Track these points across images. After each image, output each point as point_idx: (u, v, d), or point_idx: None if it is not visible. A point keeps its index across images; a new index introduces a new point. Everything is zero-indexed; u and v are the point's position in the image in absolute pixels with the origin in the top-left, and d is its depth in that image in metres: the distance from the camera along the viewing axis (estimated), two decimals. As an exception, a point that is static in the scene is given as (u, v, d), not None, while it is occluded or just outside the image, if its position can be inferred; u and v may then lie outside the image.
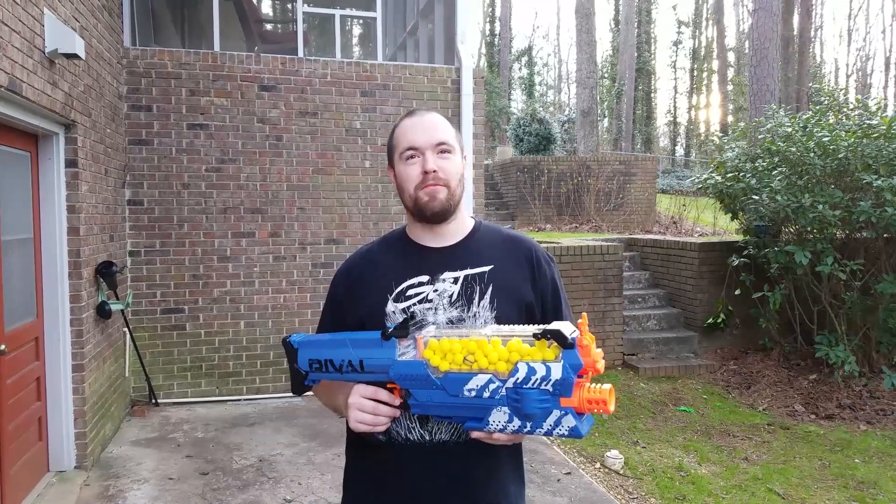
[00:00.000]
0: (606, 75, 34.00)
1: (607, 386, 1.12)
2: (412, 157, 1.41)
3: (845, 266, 5.59)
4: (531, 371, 1.12)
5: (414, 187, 1.40)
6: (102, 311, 4.41)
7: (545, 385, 1.11)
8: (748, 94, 12.58)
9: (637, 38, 28.84)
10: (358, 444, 1.49)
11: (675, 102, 38.81)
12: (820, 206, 5.49)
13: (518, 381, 1.12)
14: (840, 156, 5.66)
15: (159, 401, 5.38)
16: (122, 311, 4.95)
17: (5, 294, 3.37)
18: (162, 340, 5.44)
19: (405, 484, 1.39)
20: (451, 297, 1.40)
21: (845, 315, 5.87)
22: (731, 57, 33.54)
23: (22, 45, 3.15)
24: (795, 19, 23.00)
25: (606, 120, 32.61)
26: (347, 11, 8.01)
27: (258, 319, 5.62)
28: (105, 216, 4.63)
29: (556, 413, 1.12)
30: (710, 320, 6.84)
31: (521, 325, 1.20)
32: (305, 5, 6.10)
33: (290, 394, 5.57)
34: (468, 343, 1.18)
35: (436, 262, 1.43)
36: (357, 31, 11.79)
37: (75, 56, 3.61)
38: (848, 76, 38.07)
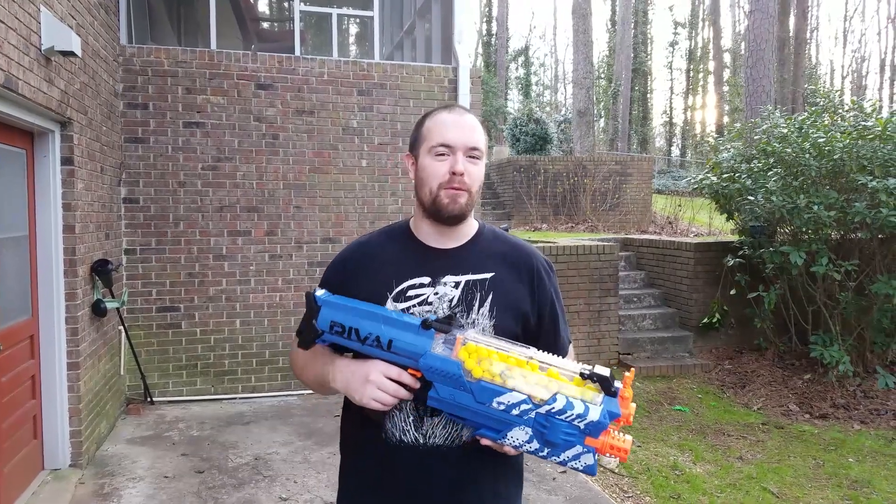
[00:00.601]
0: (603, 76, 34.04)
1: (629, 437, 1.17)
2: (443, 154, 1.38)
3: (840, 266, 5.62)
4: (569, 405, 1.15)
5: (438, 185, 1.38)
6: (98, 309, 4.40)
7: (578, 422, 1.15)
8: (744, 95, 12.61)
9: (633, 39, 28.91)
10: (353, 443, 1.49)
11: (671, 103, 38.83)
12: (815, 207, 5.52)
13: (552, 411, 1.15)
14: (835, 157, 5.68)
15: (154, 399, 5.37)
16: (118, 309, 4.94)
17: (0, 292, 3.36)
18: (157, 339, 5.43)
19: (400, 484, 1.39)
20: (451, 301, 1.39)
21: (840, 315, 5.89)
22: (728, 58, 33.60)
23: (18, 42, 3.14)
24: (791, 21, 23.07)
25: (603, 120, 32.67)
26: (344, 10, 8.01)
27: (254, 318, 5.62)
28: (101, 214, 4.62)
29: (578, 448, 1.16)
30: (705, 320, 6.86)
31: (566, 360, 1.23)
32: (302, 4, 6.09)
33: (286, 393, 5.60)
34: (507, 358, 1.20)
35: (439, 264, 1.42)
36: (354, 30, 11.79)
37: (71, 53, 3.60)
38: (843, 78, 38.24)
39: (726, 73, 32.09)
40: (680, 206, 12.33)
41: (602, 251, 6.66)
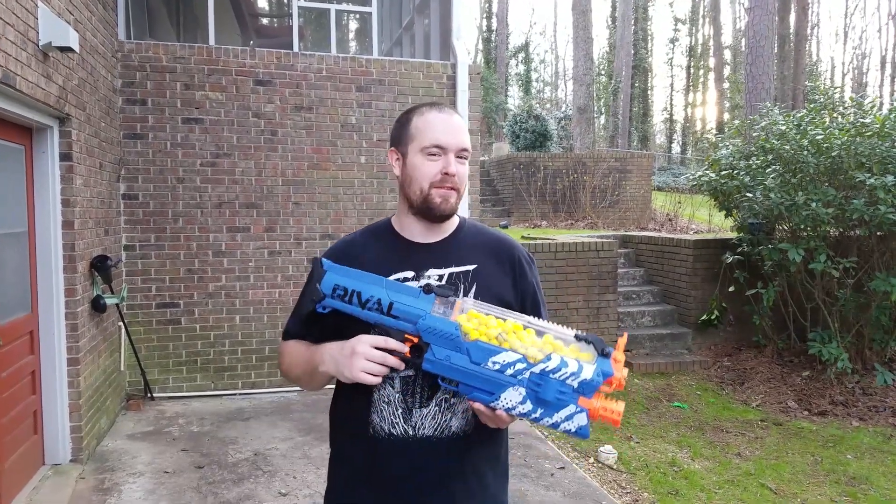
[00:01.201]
0: (603, 72, 34.00)
1: (622, 402, 1.18)
2: (436, 154, 1.41)
3: (838, 264, 5.63)
4: (563, 363, 1.16)
5: (429, 184, 1.41)
6: (97, 305, 4.40)
7: (571, 380, 1.15)
8: (744, 91, 12.61)
9: (634, 36, 28.84)
10: (342, 436, 1.51)
11: (671, 100, 38.77)
12: (813, 204, 5.52)
13: (546, 369, 1.16)
14: (833, 154, 5.69)
15: (154, 395, 5.38)
16: (117, 305, 4.95)
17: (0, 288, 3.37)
18: (157, 335, 5.44)
19: (389, 476, 1.41)
20: None
21: (838, 312, 5.90)
22: (728, 54, 33.57)
23: (16, 37, 3.14)
24: (792, 17, 23.04)
25: (603, 117, 32.65)
26: (343, 6, 8.00)
27: (253, 314, 5.62)
28: (100, 210, 4.62)
29: (571, 408, 1.16)
30: (703, 317, 6.87)
31: (561, 326, 1.25)
32: (301, 0, 6.08)
33: (285, 389, 5.61)
34: (503, 324, 1.23)
35: (422, 257, 1.45)
36: (353, 25, 11.76)
37: (69, 49, 3.60)
38: (844, 75, 38.16)
39: (727, 70, 32.06)
40: (679, 203, 12.33)
41: (601, 248, 6.67)
